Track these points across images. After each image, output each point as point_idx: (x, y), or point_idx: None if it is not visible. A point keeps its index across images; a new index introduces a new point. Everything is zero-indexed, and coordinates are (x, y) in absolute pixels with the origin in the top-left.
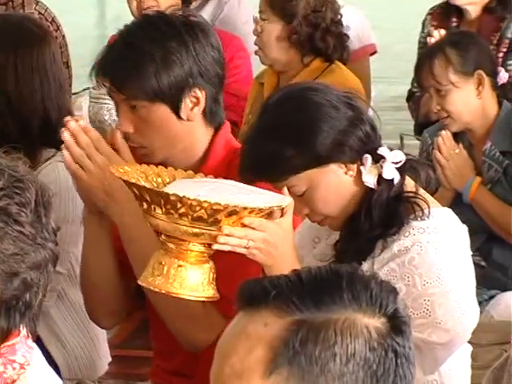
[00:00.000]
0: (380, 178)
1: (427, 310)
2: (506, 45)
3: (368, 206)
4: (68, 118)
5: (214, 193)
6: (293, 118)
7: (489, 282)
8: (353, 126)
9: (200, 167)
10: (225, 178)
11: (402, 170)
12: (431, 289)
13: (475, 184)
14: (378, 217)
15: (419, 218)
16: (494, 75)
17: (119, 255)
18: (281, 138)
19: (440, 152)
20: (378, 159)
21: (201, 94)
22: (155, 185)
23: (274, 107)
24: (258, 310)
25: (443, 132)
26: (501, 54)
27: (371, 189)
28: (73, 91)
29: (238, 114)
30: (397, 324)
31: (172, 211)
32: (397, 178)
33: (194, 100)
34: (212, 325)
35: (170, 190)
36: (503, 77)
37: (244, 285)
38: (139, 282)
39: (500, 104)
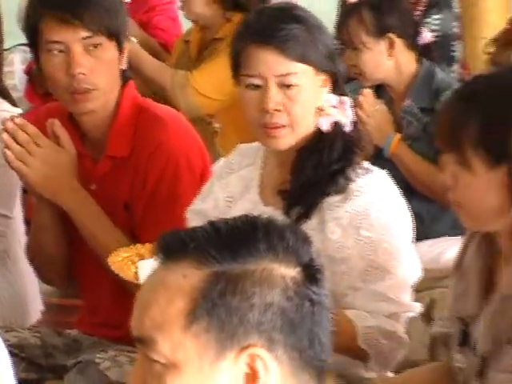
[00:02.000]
0: (333, 122)
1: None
2: (423, 3)
3: (331, 141)
4: (4, 118)
5: None
6: (309, 18)
7: None
8: (336, 55)
9: (109, 125)
10: (132, 136)
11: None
12: (402, 235)
13: (395, 140)
14: (338, 153)
15: (360, 174)
16: (413, 36)
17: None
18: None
19: (361, 109)
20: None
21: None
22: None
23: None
24: (176, 262)
25: (365, 90)
26: (418, 12)
27: (319, 131)
28: (4, 47)
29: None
30: (312, 273)
31: None
32: (350, 127)
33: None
34: None
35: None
36: (425, 37)
37: (162, 237)
38: None
39: (420, 62)
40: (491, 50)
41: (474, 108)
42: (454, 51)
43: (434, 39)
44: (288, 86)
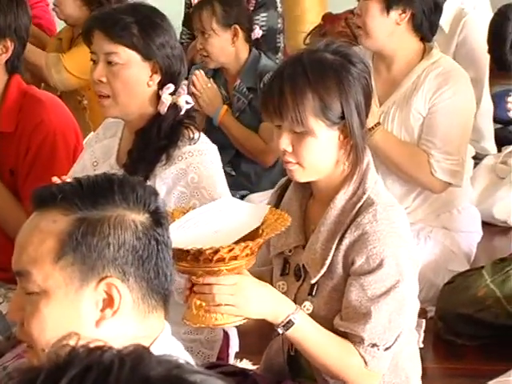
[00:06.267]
0: (171, 106)
1: None
2: (253, 3)
3: (159, 123)
4: None
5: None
6: (148, 15)
7: (238, 186)
8: (175, 49)
9: None
10: (17, 115)
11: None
12: (215, 195)
13: (222, 111)
14: (165, 132)
15: (187, 144)
16: (249, 30)
17: None
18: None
19: (194, 86)
20: (174, 93)
21: (10, 46)
22: None
23: None
24: (47, 210)
25: (196, 71)
26: (249, 11)
27: (159, 114)
28: None
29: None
30: (157, 218)
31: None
32: (184, 110)
33: (4, 49)
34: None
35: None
36: (257, 33)
37: (36, 190)
38: (191, 324)
39: (250, 51)
40: (308, 41)
41: (308, 86)
42: (278, 43)
43: (263, 33)
44: (111, 63)
